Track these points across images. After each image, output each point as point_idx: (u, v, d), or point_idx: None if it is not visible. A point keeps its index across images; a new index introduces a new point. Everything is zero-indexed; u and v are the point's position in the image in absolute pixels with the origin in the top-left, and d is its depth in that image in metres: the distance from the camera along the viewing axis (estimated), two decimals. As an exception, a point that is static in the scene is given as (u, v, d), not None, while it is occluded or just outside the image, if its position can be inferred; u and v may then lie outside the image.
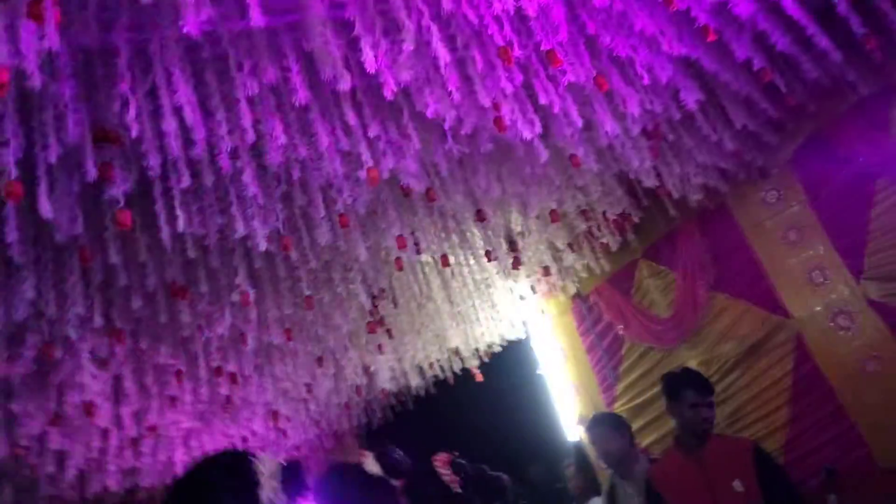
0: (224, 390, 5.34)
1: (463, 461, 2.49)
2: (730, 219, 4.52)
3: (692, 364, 4.69)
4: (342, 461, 2.18)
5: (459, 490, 2.37)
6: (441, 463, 2.46)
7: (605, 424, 3.76)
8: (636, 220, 4.75)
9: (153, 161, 2.43)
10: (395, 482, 2.02)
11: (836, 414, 3.94)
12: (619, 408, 5.17)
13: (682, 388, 3.09)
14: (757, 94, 3.52)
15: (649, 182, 3.97)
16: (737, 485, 2.85)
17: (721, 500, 2.86)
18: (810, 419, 4.06)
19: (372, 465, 2.06)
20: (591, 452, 5.50)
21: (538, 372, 6.30)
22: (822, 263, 4.05)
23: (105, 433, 5.18)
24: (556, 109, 2.83)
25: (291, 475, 1.84)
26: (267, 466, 1.73)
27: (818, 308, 4.07)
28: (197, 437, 6.56)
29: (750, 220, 4.41)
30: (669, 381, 3.22)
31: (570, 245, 5.04)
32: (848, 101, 3.79)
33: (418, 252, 4.10)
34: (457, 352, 5.99)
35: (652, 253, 5.06)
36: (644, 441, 4.91)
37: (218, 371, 4.76)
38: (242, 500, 1.65)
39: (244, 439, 6.96)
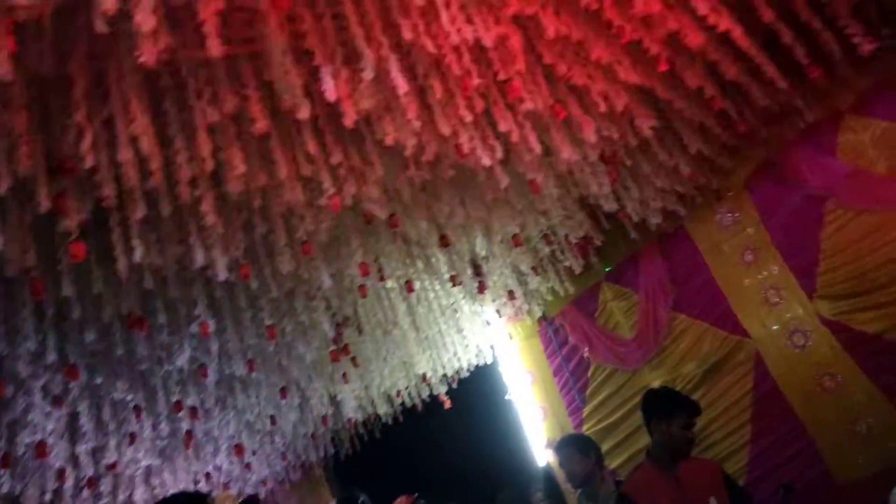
0: (185, 425, 5.20)
1: (423, 501, 2.48)
2: (688, 241, 4.62)
3: (656, 385, 4.75)
4: None
5: None
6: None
7: (571, 446, 3.77)
8: (598, 243, 4.82)
9: (109, 191, 2.38)
10: None
11: (795, 431, 4.02)
12: (588, 430, 5.18)
13: (676, 407, 3.14)
14: (710, 121, 3.63)
15: (609, 206, 4.04)
16: (712, 501, 2.92)
17: None
18: (771, 437, 4.14)
19: None
20: (560, 475, 5.51)
21: (507, 396, 6.28)
22: (777, 284, 4.16)
23: (61, 473, 4.98)
24: (515, 137, 2.88)
25: None
26: None
27: (775, 327, 4.17)
28: (158, 474, 6.36)
29: (707, 242, 4.52)
30: (661, 400, 3.25)
31: (534, 269, 5.08)
32: (796, 127, 3.93)
33: (382, 279, 4.09)
34: (424, 378, 5.94)
35: (615, 276, 5.14)
36: (612, 462, 4.93)
37: (178, 405, 4.63)
38: None
39: (208, 476, 6.76)
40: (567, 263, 4.94)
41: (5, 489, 4.79)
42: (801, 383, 4.02)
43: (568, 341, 5.52)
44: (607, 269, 5.17)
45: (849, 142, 3.79)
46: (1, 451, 4.35)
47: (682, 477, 3.03)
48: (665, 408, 3.15)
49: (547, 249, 4.80)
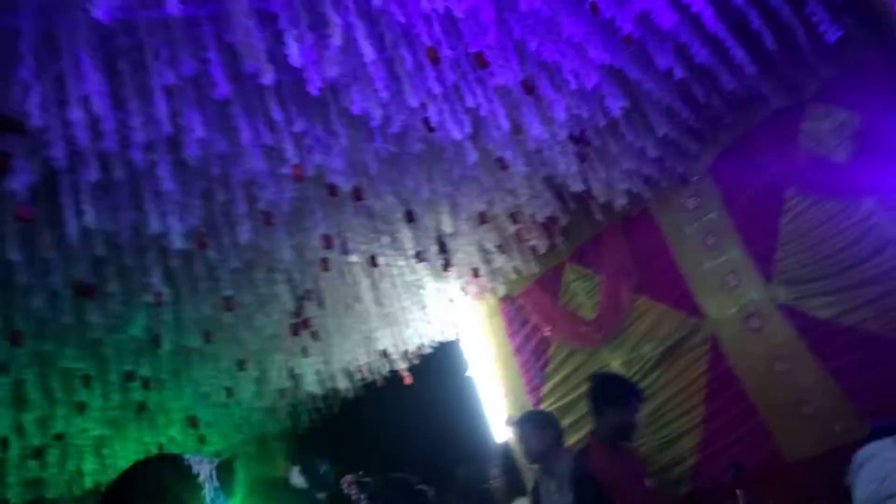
0: (137, 395, 5.09)
1: (368, 479, 2.49)
2: (652, 223, 4.66)
3: (615, 364, 4.82)
4: (268, 475, 2.16)
5: None
6: (347, 483, 2.47)
7: (529, 423, 3.85)
8: (564, 223, 4.83)
9: (58, 152, 2.27)
10: (321, 495, 2.00)
11: (747, 412, 4.12)
12: (546, 408, 5.23)
13: (631, 394, 3.37)
14: (678, 104, 3.64)
15: (576, 186, 4.04)
16: (648, 482, 3.30)
17: (639, 494, 3.22)
18: (724, 417, 4.23)
19: (297, 479, 2.02)
20: (518, 452, 5.57)
21: (466, 374, 6.31)
22: (737, 268, 4.23)
23: (4, 443, 4.83)
24: (485, 112, 2.84)
25: (227, 474, 1.79)
26: (203, 468, 1.68)
27: (732, 310, 4.25)
28: (109, 444, 6.24)
29: (671, 225, 4.56)
30: (617, 386, 3.46)
31: (499, 247, 5.07)
32: (761, 114, 3.97)
33: (346, 252, 4.03)
34: (385, 354, 5.92)
35: (579, 256, 5.17)
36: (570, 439, 4.99)
37: (130, 375, 4.52)
38: (193, 499, 1.60)
39: (160, 446, 6.66)
40: (532, 243, 4.95)
41: (-54, 459, 4.65)
42: (755, 366, 4.11)
43: (529, 320, 5.55)
44: (571, 250, 5.19)
45: (811, 129, 3.84)
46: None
47: (624, 458, 3.33)
48: (622, 394, 3.36)
49: (513, 228, 4.79)
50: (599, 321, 4.92)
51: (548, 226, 4.89)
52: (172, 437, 6.54)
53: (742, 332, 4.19)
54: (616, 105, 3.26)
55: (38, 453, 5.43)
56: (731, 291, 4.25)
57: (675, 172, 4.31)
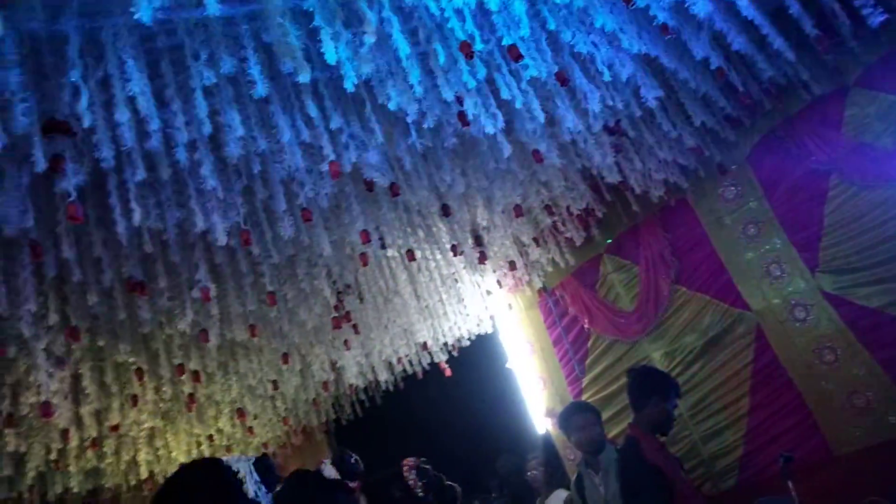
0: (187, 388, 5.26)
1: (428, 467, 2.56)
2: (690, 214, 4.60)
3: (656, 356, 4.78)
4: (303, 468, 2.25)
5: (421, 494, 2.45)
6: (408, 467, 2.54)
7: (590, 411, 3.76)
8: (600, 215, 4.80)
9: (106, 153, 2.37)
10: (353, 484, 2.08)
11: (793, 404, 4.04)
12: (587, 399, 5.22)
13: (671, 390, 3.35)
14: (715, 92, 3.58)
15: (612, 178, 4.02)
16: (682, 473, 3.32)
17: (685, 481, 3.27)
18: (769, 409, 4.15)
19: (330, 470, 2.12)
20: (560, 444, 5.57)
21: (506, 366, 6.33)
22: (780, 257, 4.15)
23: (65, 434, 5.06)
24: (519, 104, 2.85)
25: (265, 469, 1.92)
26: (242, 466, 1.79)
27: (776, 301, 4.16)
28: (161, 436, 6.46)
29: (710, 215, 4.49)
30: (654, 379, 3.43)
31: (535, 240, 5.08)
32: (802, 100, 3.87)
33: (383, 247, 4.09)
34: (425, 346, 5.98)
35: (615, 247, 5.13)
36: (610, 432, 4.97)
37: (180, 369, 4.68)
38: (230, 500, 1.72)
39: (210, 438, 6.87)
40: (568, 235, 4.94)
41: (11, 448, 4.88)
42: (801, 356, 4.03)
43: (568, 312, 5.53)
44: (608, 241, 5.16)
45: (855, 116, 3.74)
46: (4, 413, 4.42)
47: (665, 450, 3.34)
48: (660, 387, 3.34)
49: (548, 220, 4.78)
50: (638, 312, 4.88)
51: (583, 218, 4.87)
52: (221, 429, 6.73)
53: (787, 323, 4.10)
54: (651, 95, 3.23)
55: (96, 444, 5.66)
56: (775, 281, 4.17)
57: (712, 162, 4.24)
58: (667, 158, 4.04)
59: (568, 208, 4.63)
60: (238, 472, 1.81)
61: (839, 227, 3.87)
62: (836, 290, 3.90)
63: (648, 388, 3.38)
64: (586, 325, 5.31)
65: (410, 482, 2.52)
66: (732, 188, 4.35)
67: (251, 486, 1.78)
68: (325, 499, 2.07)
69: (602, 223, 5.01)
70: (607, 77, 2.94)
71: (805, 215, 4.01)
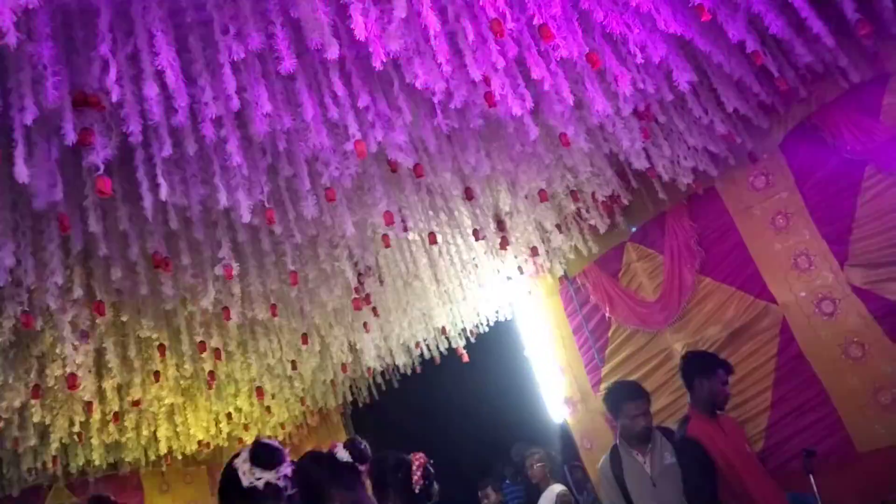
0: (208, 366, 5.31)
1: (432, 471, 2.67)
2: (718, 203, 4.52)
3: (677, 347, 4.72)
4: (317, 450, 2.38)
5: (417, 490, 2.56)
6: (418, 464, 2.63)
7: (642, 398, 3.79)
8: (625, 202, 4.74)
9: (134, 127, 2.37)
10: (362, 467, 2.24)
11: (817, 399, 3.98)
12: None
13: (717, 366, 3.61)
14: (749, 78, 3.50)
15: (639, 164, 3.95)
16: (748, 447, 3.60)
17: (745, 458, 3.48)
18: (792, 403, 4.10)
19: (343, 453, 2.24)
20: (577, 433, 5.56)
21: (524, 353, 6.31)
22: (808, 249, 4.07)
23: (88, 406, 5.14)
24: (548, 86, 2.79)
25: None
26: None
27: (803, 294, 4.08)
28: (181, 412, 6.54)
29: (738, 204, 4.41)
30: (702, 359, 3.75)
31: (558, 226, 5.02)
32: (839, 88, 3.77)
33: (405, 229, 4.07)
34: (443, 331, 5.97)
35: (640, 236, 5.07)
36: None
37: (202, 346, 4.72)
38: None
39: (228, 416, 6.94)
40: (592, 222, 4.88)
41: (37, 419, 4.97)
42: (827, 351, 3.95)
43: (589, 300, 5.48)
44: (633, 230, 5.09)
45: (894, 104, 3.63)
46: (31, 383, 4.50)
47: (723, 426, 3.57)
48: (707, 367, 3.62)
49: (572, 206, 4.73)
50: (662, 302, 4.82)
51: (608, 204, 4.81)
52: (239, 407, 6.79)
53: (814, 316, 4.03)
54: (684, 78, 3.15)
55: (117, 418, 5.75)
56: (802, 274, 4.09)
57: (743, 150, 4.15)
58: (696, 145, 3.96)
59: (593, 194, 4.57)
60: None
61: (872, 219, 3.78)
62: (866, 285, 3.81)
63: (691, 371, 3.69)
64: (607, 314, 5.26)
65: (415, 477, 2.60)
66: (763, 177, 4.26)
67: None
68: (337, 478, 2.20)
69: (627, 211, 4.94)
70: (640, 59, 2.87)
71: (837, 207, 3.92)
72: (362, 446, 2.33)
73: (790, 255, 4.15)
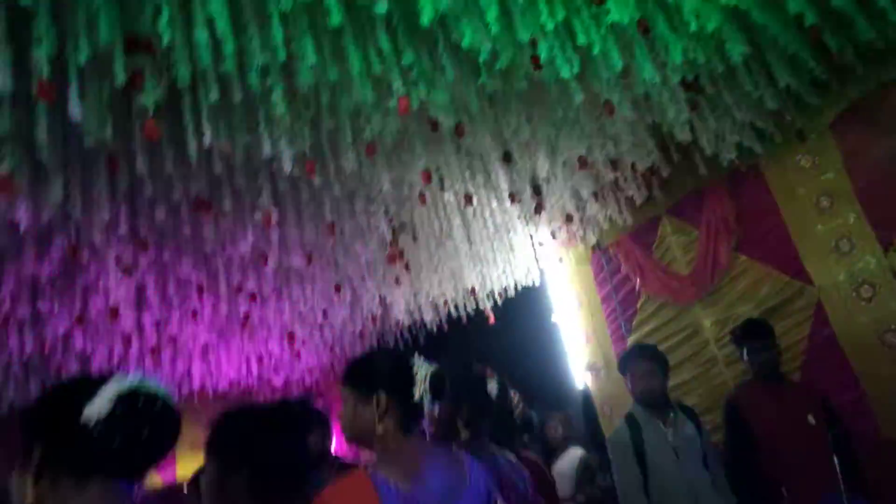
0: (243, 308, 5.47)
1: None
2: (761, 181, 4.42)
3: (707, 323, 4.70)
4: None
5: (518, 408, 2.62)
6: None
7: (654, 360, 3.53)
8: (665, 174, 4.67)
9: (183, 72, 2.41)
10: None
11: (847, 383, 3.94)
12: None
13: (744, 339, 3.68)
14: (804, 53, 3.38)
15: (682, 136, 3.88)
16: (810, 419, 3.43)
17: (799, 431, 3.40)
18: (821, 386, 4.06)
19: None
20: (599, 399, 5.61)
21: (552, 319, 6.34)
22: (851, 232, 3.98)
23: (127, 339, 5.36)
24: (597, 51, 2.75)
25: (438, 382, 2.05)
26: (422, 368, 1.93)
27: (841, 277, 4.01)
28: (214, 351, 6.78)
29: (783, 183, 4.31)
30: (750, 326, 3.74)
31: (594, 195, 4.99)
32: (900, 67, 3.63)
33: (442, 189, 4.09)
34: (472, 291, 6.03)
35: (678, 209, 5.00)
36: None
37: (238, 289, 4.86)
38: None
39: (259, 358, 7.17)
40: (629, 193, 4.82)
41: (79, 347, 5.21)
42: (861, 336, 3.90)
43: (619, 271, 5.47)
44: (671, 202, 5.02)
45: (958, 87, 3.49)
46: (77, 311, 4.70)
47: (785, 394, 3.56)
48: (756, 333, 3.65)
49: (611, 176, 4.68)
50: (694, 276, 4.78)
51: (647, 176, 4.74)
52: (271, 350, 7.00)
53: (851, 300, 3.96)
54: (737, 50, 3.07)
55: (154, 352, 5.98)
56: (843, 257, 4.01)
57: (792, 127, 4.03)
58: (743, 120, 3.86)
59: (633, 165, 4.51)
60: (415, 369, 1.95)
61: (921, 206, 3.67)
62: (910, 272, 3.73)
63: (743, 335, 3.71)
64: (638, 286, 5.25)
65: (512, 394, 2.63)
66: (809, 157, 4.15)
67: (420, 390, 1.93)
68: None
69: (665, 183, 4.87)
70: (693, 27, 2.80)
71: (885, 190, 3.81)
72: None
73: (832, 238, 4.06)
